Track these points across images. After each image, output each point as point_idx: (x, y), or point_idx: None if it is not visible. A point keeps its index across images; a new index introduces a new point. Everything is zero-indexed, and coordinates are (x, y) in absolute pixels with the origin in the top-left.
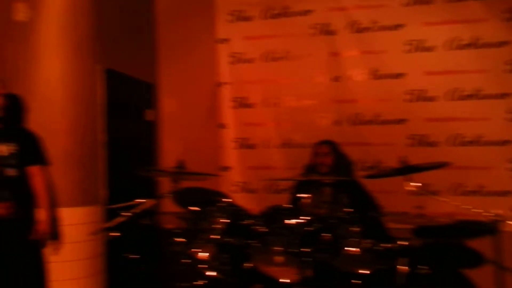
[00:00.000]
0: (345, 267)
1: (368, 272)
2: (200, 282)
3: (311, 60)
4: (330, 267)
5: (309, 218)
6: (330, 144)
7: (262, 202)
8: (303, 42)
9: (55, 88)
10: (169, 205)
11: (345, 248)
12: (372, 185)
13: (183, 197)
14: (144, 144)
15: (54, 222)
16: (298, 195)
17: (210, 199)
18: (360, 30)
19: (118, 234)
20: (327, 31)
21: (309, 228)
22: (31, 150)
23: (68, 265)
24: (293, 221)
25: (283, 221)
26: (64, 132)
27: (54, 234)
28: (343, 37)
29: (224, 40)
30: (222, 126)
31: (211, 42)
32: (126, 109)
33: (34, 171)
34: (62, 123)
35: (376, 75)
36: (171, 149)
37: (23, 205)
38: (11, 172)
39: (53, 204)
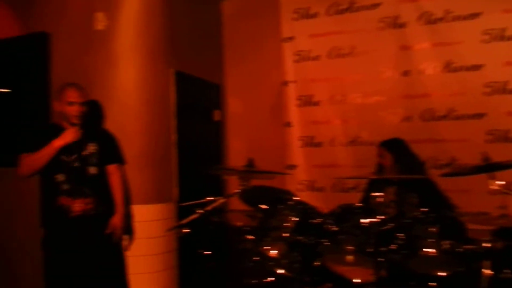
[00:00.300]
0: (422, 269)
1: (446, 274)
2: (270, 280)
3: (379, 55)
4: (405, 268)
5: (383, 217)
6: (386, 146)
7: (329, 201)
8: (371, 37)
9: (130, 92)
10: (236, 203)
11: (422, 249)
12: (447, 184)
13: (252, 195)
14: (212, 144)
15: (128, 218)
16: (372, 193)
17: (279, 198)
18: (433, 21)
19: (190, 230)
20: (396, 24)
21: (383, 228)
22: (110, 150)
23: (144, 259)
24: (367, 220)
25: (356, 220)
26: (139, 134)
27: (128, 229)
28: (414, 29)
29: (289, 39)
30: (287, 124)
31: (276, 41)
32: (195, 110)
33: (112, 169)
34: (137, 125)
35: (451, 68)
36: (237, 149)
37: (102, 202)
38: (92, 170)
39: (128, 201)
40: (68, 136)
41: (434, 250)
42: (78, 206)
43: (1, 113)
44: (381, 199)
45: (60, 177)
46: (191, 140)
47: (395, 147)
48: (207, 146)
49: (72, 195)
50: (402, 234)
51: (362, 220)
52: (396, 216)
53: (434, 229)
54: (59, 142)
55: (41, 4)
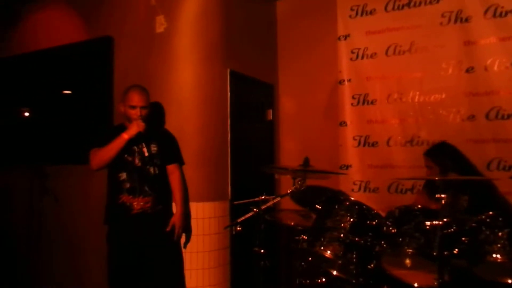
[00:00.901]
0: (488, 276)
1: None
2: (323, 280)
3: (440, 52)
4: (470, 275)
5: (446, 220)
6: (430, 155)
7: (383, 202)
8: (432, 32)
9: (188, 92)
10: (288, 203)
11: (489, 255)
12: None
13: (306, 195)
14: (265, 144)
15: (187, 217)
16: (436, 195)
17: (335, 198)
18: (501, 14)
19: (243, 229)
20: (460, 18)
21: (446, 231)
22: (170, 150)
23: (199, 256)
24: (429, 222)
25: (416, 222)
26: (196, 133)
27: (187, 228)
28: (479, 23)
29: (345, 37)
30: (342, 124)
31: (330, 39)
32: (248, 110)
33: (172, 169)
34: (194, 124)
35: None
36: (290, 148)
37: (162, 200)
38: (153, 170)
39: (187, 200)
40: (134, 128)
41: (501, 256)
42: (138, 204)
43: (68, 113)
44: (444, 201)
45: (123, 176)
46: (244, 139)
47: (441, 155)
48: (260, 146)
49: (133, 193)
50: (467, 238)
51: (427, 223)
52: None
53: (503, 234)
54: (127, 134)
55: (106, 9)
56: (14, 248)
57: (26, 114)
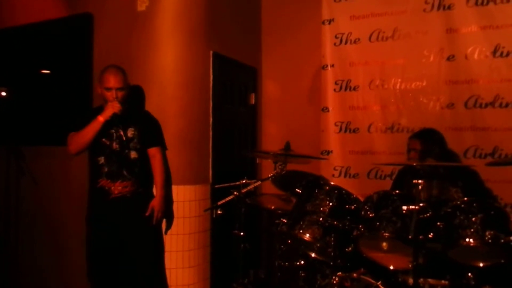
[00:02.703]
0: (462, 259)
1: (486, 265)
2: (302, 262)
3: (423, 39)
4: (444, 258)
5: (422, 205)
6: (421, 138)
7: (363, 188)
8: (415, 19)
9: (169, 73)
10: (269, 187)
11: (463, 239)
12: (490, 174)
13: (286, 179)
14: (247, 128)
15: (168, 201)
16: (414, 181)
17: (315, 182)
18: (483, 3)
19: (224, 211)
20: (442, 5)
21: (421, 216)
22: (151, 133)
23: (179, 238)
24: (406, 207)
25: (394, 207)
26: (177, 116)
27: (168, 213)
28: (462, 11)
29: (329, 21)
30: (324, 109)
31: (314, 24)
32: (231, 93)
33: (153, 152)
34: (175, 106)
35: (499, 53)
36: (272, 133)
37: (142, 184)
38: (132, 154)
39: (169, 184)
40: (109, 110)
41: (474, 241)
42: (116, 188)
43: (47, 93)
44: (421, 187)
45: (101, 160)
46: (226, 123)
47: (430, 140)
48: (242, 130)
49: (111, 177)
50: (442, 223)
51: (403, 207)
52: (436, 204)
53: (476, 219)
54: (102, 117)
55: None
56: None
57: (3, 94)
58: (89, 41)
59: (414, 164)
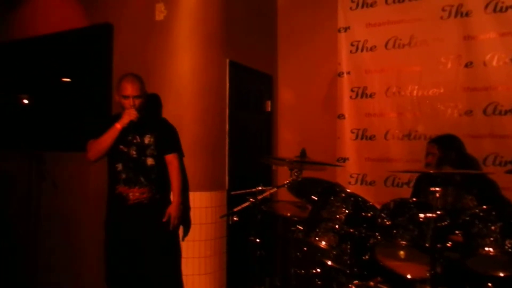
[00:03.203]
0: (480, 269)
1: (507, 275)
2: (318, 270)
3: (440, 46)
4: (462, 267)
5: (439, 213)
6: (439, 143)
7: (380, 195)
8: (431, 26)
9: (186, 81)
10: (285, 194)
11: (481, 248)
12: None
13: (302, 186)
14: (263, 135)
15: (186, 208)
16: (431, 188)
17: (331, 189)
18: (501, 9)
19: (240, 218)
20: (460, 12)
21: (439, 224)
22: (168, 140)
23: (196, 244)
24: (423, 215)
25: (411, 215)
26: (194, 123)
27: (186, 219)
28: (480, 18)
29: (345, 29)
30: (340, 116)
31: (331, 32)
32: (247, 100)
33: (170, 159)
34: (192, 114)
35: None
36: (288, 140)
37: (159, 191)
38: (149, 161)
39: (186, 191)
40: (126, 117)
41: (494, 250)
42: (134, 195)
43: (67, 100)
44: (439, 194)
45: (119, 167)
46: (242, 130)
47: (448, 145)
48: (258, 137)
49: (128, 184)
50: (460, 231)
51: (420, 215)
52: (455, 212)
53: (495, 228)
54: (119, 124)
55: None
56: (12, 232)
57: (25, 101)
58: (108, 50)
59: (431, 171)
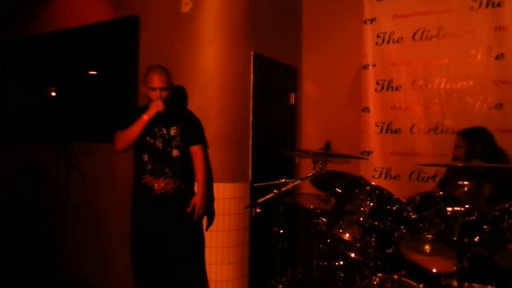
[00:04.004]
0: (509, 264)
1: None
2: (341, 263)
3: (469, 37)
4: (490, 263)
5: (468, 206)
6: (467, 135)
7: (404, 190)
8: (461, 17)
9: (211, 73)
10: (307, 186)
11: (510, 244)
12: None
13: (326, 179)
14: (286, 127)
15: (210, 198)
16: (459, 182)
17: (356, 182)
18: None
19: (262, 210)
20: (492, 3)
21: (467, 218)
22: (193, 132)
23: (219, 234)
24: (450, 208)
25: (437, 208)
26: (218, 115)
27: (210, 210)
28: None
29: (371, 20)
30: (365, 109)
31: (355, 23)
32: (271, 93)
33: (195, 150)
34: (217, 106)
35: None
36: (311, 133)
37: (183, 182)
38: (174, 152)
39: (210, 182)
40: (153, 109)
41: None
42: (159, 185)
43: (94, 92)
44: (467, 188)
45: (145, 157)
46: (266, 122)
47: (478, 138)
48: (281, 129)
49: (154, 174)
50: (488, 226)
51: (448, 209)
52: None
53: None
54: (146, 115)
55: None
56: (43, 223)
57: (53, 94)
58: (135, 42)
59: (459, 165)
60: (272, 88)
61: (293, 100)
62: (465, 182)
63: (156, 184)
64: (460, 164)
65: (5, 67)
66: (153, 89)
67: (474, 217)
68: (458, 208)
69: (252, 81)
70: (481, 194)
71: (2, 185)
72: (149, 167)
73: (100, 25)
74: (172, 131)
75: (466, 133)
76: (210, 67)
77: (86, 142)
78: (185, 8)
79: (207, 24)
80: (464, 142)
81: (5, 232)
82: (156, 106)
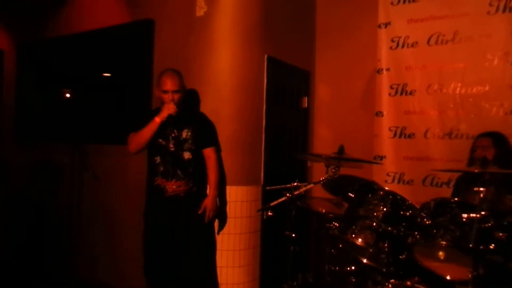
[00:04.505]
0: None
1: None
2: (353, 268)
3: (486, 42)
4: (505, 270)
5: (483, 213)
6: (493, 137)
7: (418, 195)
8: (478, 22)
9: (225, 77)
10: (319, 190)
11: None
12: None
13: (339, 183)
14: (299, 131)
15: (222, 202)
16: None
17: (369, 187)
18: None
19: (274, 213)
20: (509, 7)
21: (483, 225)
22: (206, 134)
23: (231, 237)
24: (466, 215)
25: (452, 215)
26: (231, 118)
27: (221, 213)
28: None
29: (386, 24)
30: (378, 114)
31: (369, 27)
32: (284, 96)
33: (208, 153)
34: (230, 109)
35: None
36: (324, 137)
37: (196, 184)
38: (186, 154)
39: (223, 185)
40: (165, 111)
41: None
42: (171, 187)
43: (109, 95)
44: (483, 195)
45: (157, 159)
46: (278, 125)
47: (503, 142)
48: (294, 133)
49: (166, 176)
50: (504, 234)
51: (464, 215)
52: (499, 213)
53: None
54: (159, 118)
55: None
56: (58, 223)
57: (69, 95)
58: (150, 46)
59: (475, 171)
60: (285, 91)
61: (306, 104)
62: (481, 189)
63: (167, 186)
64: (476, 170)
65: (23, 69)
66: (166, 91)
67: (489, 225)
68: (474, 215)
69: (265, 84)
70: (504, 205)
71: (17, 184)
72: (161, 169)
73: (116, 28)
74: (184, 134)
75: (491, 135)
76: (224, 70)
77: (100, 144)
78: (200, 12)
79: (221, 28)
80: (490, 143)
81: (20, 231)
82: (168, 109)
